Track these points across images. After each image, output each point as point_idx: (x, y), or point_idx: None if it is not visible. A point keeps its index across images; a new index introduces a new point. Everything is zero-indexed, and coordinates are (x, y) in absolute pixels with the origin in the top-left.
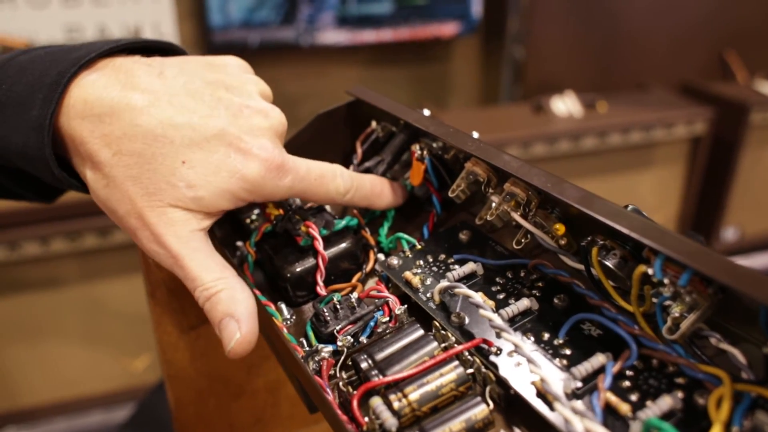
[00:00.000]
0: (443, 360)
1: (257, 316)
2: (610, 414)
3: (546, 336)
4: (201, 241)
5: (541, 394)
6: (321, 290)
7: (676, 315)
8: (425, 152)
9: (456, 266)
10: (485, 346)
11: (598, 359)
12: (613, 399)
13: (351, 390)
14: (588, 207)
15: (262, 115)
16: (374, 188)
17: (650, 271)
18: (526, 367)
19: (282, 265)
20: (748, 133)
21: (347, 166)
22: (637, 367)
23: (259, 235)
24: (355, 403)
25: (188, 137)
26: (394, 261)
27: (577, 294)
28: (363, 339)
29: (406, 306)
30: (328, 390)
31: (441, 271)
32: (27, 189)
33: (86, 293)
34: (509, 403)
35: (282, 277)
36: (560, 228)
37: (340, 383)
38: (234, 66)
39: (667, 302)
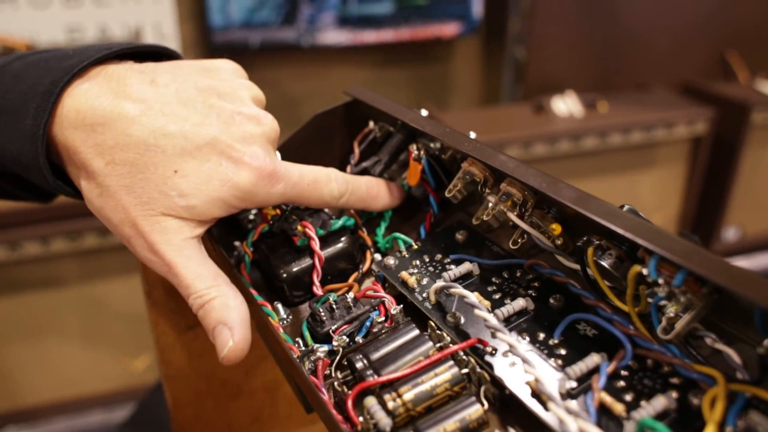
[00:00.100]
0: (438, 360)
1: (250, 323)
2: (604, 414)
3: (541, 336)
4: (194, 249)
5: (536, 394)
6: (317, 290)
7: (671, 315)
8: (422, 152)
9: (452, 266)
10: (480, 346)
11: (593, 359)
12: (608, 399)
13: (346, 390)
14: (583, 207)
15: (254, 122)
16: (370, 190)
17: (645, 271)
18: (521, 367)
19: (278, 265)
20: (749, 133)
21: (345, 166)
22: (632, 367)
23: (256, 235)
24: (349, 402)
25: (180, 146)
26: (391, 261)
27: (573, 294)
28: (359, 339)
29: (401, 306)
30: (324, 390)
31: (437, 271)
32: (23, 190)
33: (86, 293)
34: (504, 403)
35: (278, 277)
36: (556, 228)
37: (336, 383)
38: (227, 71)
39: (663, 302)
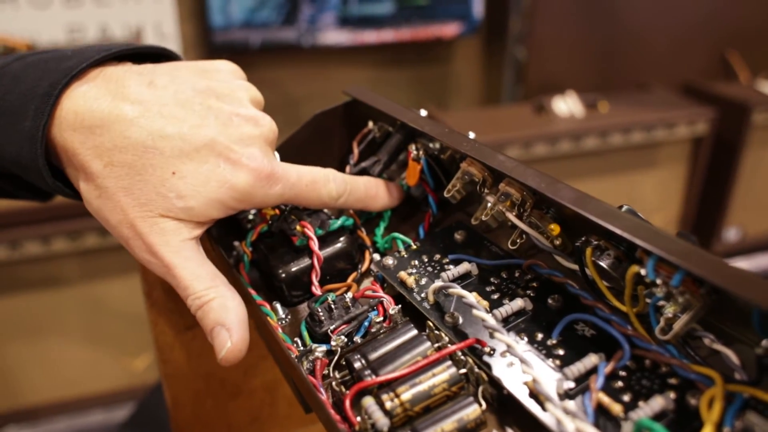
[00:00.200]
0: (436, 360)
1: (248, 324)
2: (602, 414)
3: (539, 336)
4: (192, 250)
5: (534, 395)
6: (316, 290)
7: (669, 315)
8: (421, 152)
9: (451, 266)
10: (478, 346)
11: (591, 360)
12: (606, 399)
13: (344, 390)
14: (582, 207)
15: (252, 123)
16: (369, 191)
17: (643, 272)
18: (519, 367)
19: (277, 265)
20: (750, 133)
21: (344, 166)
22: (629, 368)
23: (255, 235)
24: (347, 402)
25: (178, 148)
26: (389, 261)
27: (571, 294)
28: (357, 339)
29: (400, 306)
30: (322, 390)
31: (436, 271)
32: (22, 190)
33: (87, 293)
34: (502, 403)
35: (277, 277)
36: (555, 228)
37: (334, 383)
38: (226, 72)
39: (661, 303)
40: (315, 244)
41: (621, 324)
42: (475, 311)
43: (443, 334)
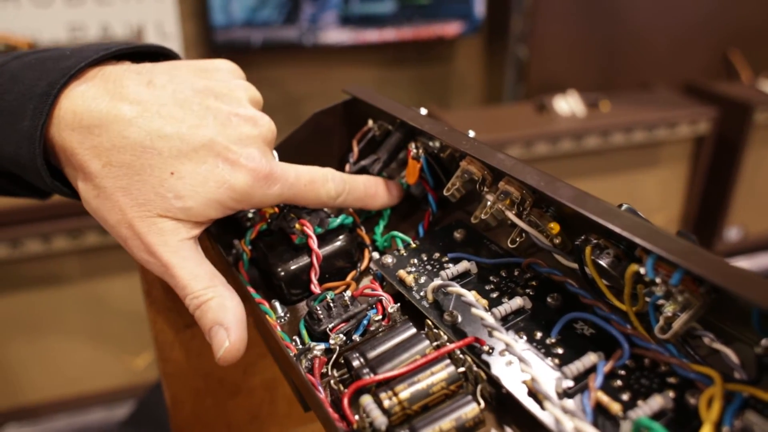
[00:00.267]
0: (434, 358)
1: (246, 323)
2: (600, 413)
3: (538, 335)
4: (191, 250)
5: (532, 393)
6: (315, 288)
7: (669, 314)
8: (421, 151)
9: (450, 265)
10: (477, 345)
11: (590, 358)
12: (604, 398)
13: (342, 388)
14: (581, 206)
15: (250, 123)
16: (368, 190)
17: (642, 271)
18: (518, 366)
19: (276, 263)
20: (751, 132)
21: (343, 165)
22: (629, 367)
23: (254, 233)
24: (345, 401)
25: (176, 148)
26: (389, 259)
27: (571, 293)
28: (356, 337)
29: (399, 304)
30: (320, 388)
31: (435, 270)
32: (21, 188)
33: (88, 291)
34: (500, 402)
35: (276, 275)
36: (555, 227)
37: (332, 381)
38: (225, 71)
39: (660, 301)
40: (314, 243)
41: (620, 323)
42: (474, 310)
43: (442, 333)
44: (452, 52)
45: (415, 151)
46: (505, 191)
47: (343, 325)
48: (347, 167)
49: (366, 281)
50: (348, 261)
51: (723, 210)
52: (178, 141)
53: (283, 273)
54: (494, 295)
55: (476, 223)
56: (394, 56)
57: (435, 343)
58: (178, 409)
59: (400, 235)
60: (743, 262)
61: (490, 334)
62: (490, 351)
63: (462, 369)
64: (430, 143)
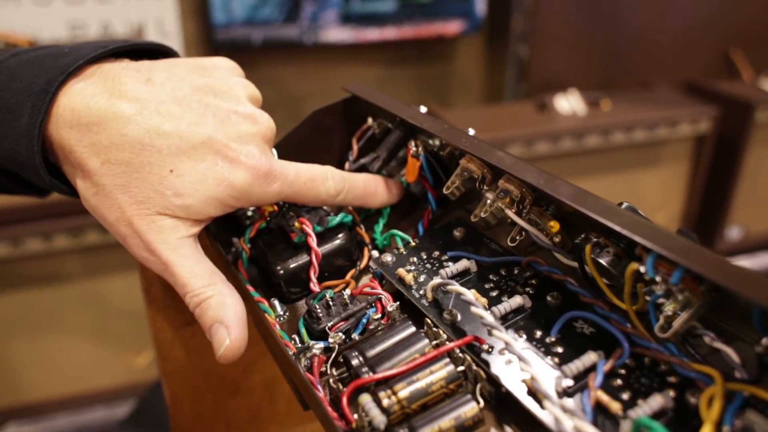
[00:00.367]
0: (434, 357)
1: (246, 321)
2: (600, 413)
3: (538, 334)
4: (190, 248)
5: (532, 392)
6: (314, 287)
7: (669, 313)
8: (421, 149)
9: (450, 263)
10: (477, 344)
11: (590, 357)
12: (604, 398)
13: (341, 387)
14: (580, 204)
15: (250, 120)
16: (368, 188)
17: (642, 269)
18: (517, 364)
19: (275, 262)
20: (752, 131)
21: (343, 163)
22: (629, 366)
23: (253, 232)
24: (344, 400)
25: (175, 146)
26: (388, 258)
27: (571, 292)
28: (355, 336)
29: (398, 303)
30: (319, 387)
31: (435, 268)
32: (20, 186)
33: (88, 289)
34: (500, 401)
35: (275, 274)
36: (555, 225)
37: (331, 380)
38: (223, 69)
39: (660, 300)
40: (313, 241)
41: (620, 322)
42: (473, 308)
43: (441, 332)
44: (453, 50)
45: (414, 149)
46: (505, 189)
47: (342, 323)
48: (347, 165)
49: (365, 280)
50: (347, 259)
51: (724, 209)
52: (177, 138)
53: (282, 271)
54: (494, 293)
55: (476, 222)
56: (394, 55)
57: (434, 342)
58: (178, 407)
59: (400, 233)
60: (744, 262)
61: (490, 333)
62: (490, 350)
63: (461, 368)
64: (430, 141)
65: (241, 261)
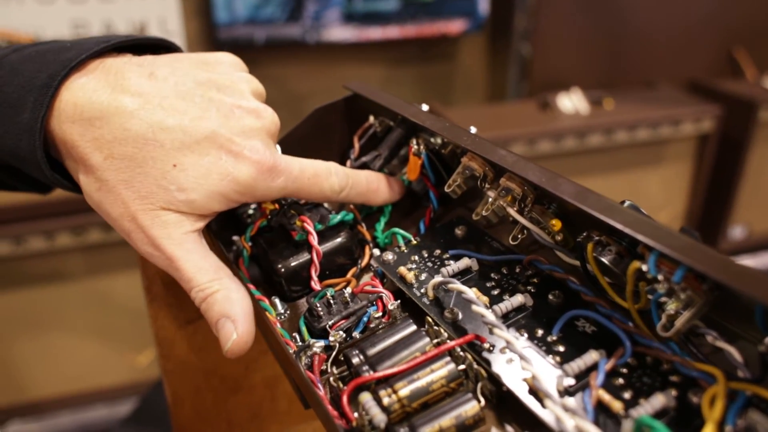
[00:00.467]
0: (435, 356)
1: (253, 315)
2: (602, 412)
3: (539, 332)
4: (195, 243)
5: (533, 391)
6: (315, 285)
7: (671, 312)
8: (422, 147)
9: (451, 262)
10: (478, 342)
11: (592, 356)
12: (606, 397)
13: (342, 385)
14: (582, 202)
15: (253, 115)
16: (370, 185)
17: (645, 268)
18: (519, 363)
19: (276, 260)
20: (756, 130)
21: (344, 161)
22: (630, 365)
23: (254, 230)
24: (344, 398)
25: (179, 140)
26: (389, 256)
27: (572, 290)
28: (356, 334)
29: (399, 301)
30: (319, 385)
31: (436, 267)
32: (22, 182)
33: (91, 288)
34: (501, 399)
35: (276, 272)
36: (557, 224)
37: (332, 378)
38: (227, 64)
39: (662, 299)
40: (314, 239)
41: (622, 320)
42: (474, 307)
43: (442, 330)
44: (456, 49)
45: (416, 147)
46: (507, 188)
47: (343, 322)
48: (348, 163)
49: (366, 278)
50: (348, 258)
51: (727, 208)
52: (181, 133)
53: (283, 269)
54: (495, 292)
55: (477, 220)
56: (397, 54)
57: (435, 341)
58: (179, 406)
59: (401, 231)
60: (747, 261)
61: (491, 332)
62: (491, 348)
63: (462, 366)
64: (432, 139)
65: (242, 259)
